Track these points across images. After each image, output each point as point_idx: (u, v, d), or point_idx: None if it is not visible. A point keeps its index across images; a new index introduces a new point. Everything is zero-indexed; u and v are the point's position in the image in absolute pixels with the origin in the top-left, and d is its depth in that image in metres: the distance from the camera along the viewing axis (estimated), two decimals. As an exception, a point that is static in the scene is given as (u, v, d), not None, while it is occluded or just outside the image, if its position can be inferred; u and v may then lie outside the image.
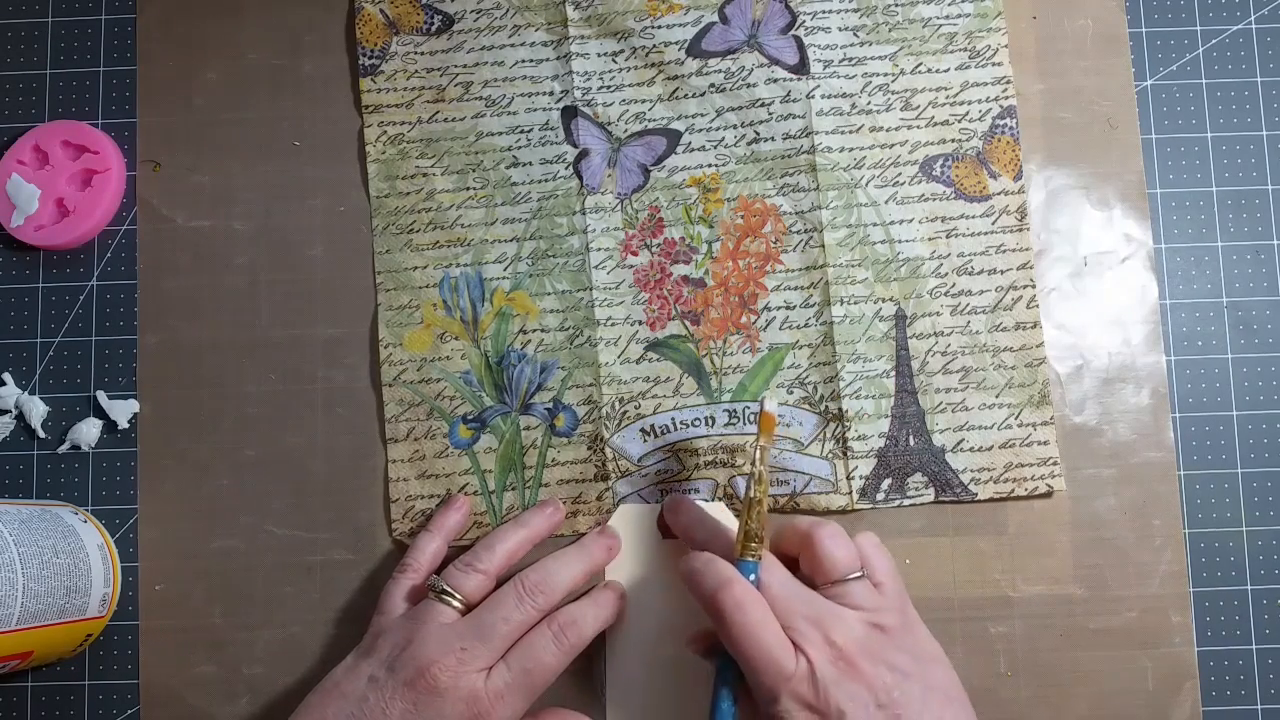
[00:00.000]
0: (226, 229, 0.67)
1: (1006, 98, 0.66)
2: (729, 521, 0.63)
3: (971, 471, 0.64)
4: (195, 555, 0.65)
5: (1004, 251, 0.65)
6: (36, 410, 0.65)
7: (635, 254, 0.66)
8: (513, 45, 0.67)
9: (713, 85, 0.66)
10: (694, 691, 0.61)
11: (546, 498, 0.64)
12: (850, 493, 0.64)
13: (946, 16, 0.67)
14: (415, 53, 0.67)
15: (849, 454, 0.64)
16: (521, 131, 0.67)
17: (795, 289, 0.65)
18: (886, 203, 0.66)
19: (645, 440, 0.64)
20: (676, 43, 0.66)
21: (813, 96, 0.66)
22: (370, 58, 0.67)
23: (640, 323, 0.65)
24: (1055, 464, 0.64)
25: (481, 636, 0.56)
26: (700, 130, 0.66)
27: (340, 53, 0.68)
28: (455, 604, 0.58)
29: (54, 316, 0.67)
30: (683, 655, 0.60)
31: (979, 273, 0.65)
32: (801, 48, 0.66)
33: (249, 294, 0.67)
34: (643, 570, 0.63)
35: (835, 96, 0.66)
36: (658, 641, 0.62)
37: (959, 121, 0.66)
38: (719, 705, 0.55)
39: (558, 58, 0.67)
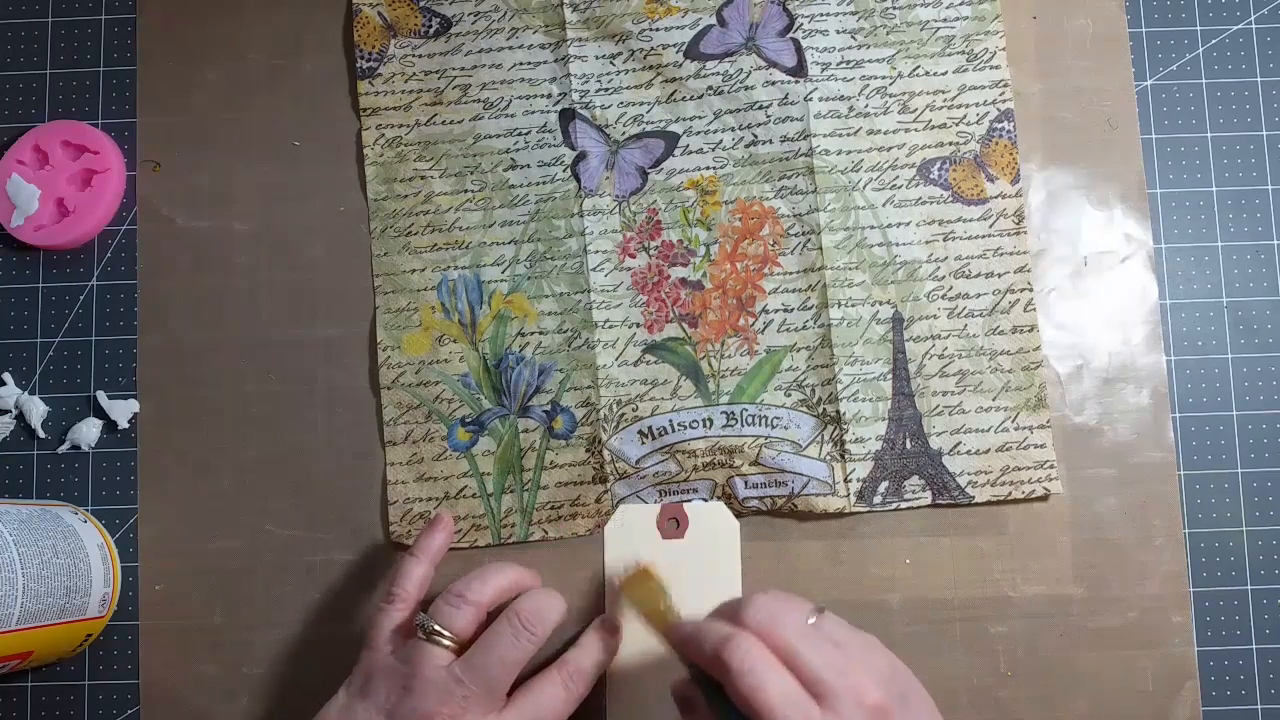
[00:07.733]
0: (226, 229, 0.67)
1: (1004, 101, 0.66)
2: (727, 521, 0.63)
3: (968, 475, 0.64)
4: (195, 555, 0.65)
5: (1001, 255, 0.65)
6: (36, 410, 0.65)
7: (633, 256, 0.66)
8: (511, 48, 0.67)
9: (711, 88, 0.66)
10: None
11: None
12: (848, 495, 0.64)
13: (944, 19, 0.67)
14: (413, 55, 0.67)
15: (846, 456, 0.64)
16: (519, 134, 0.66)
17: (793, 291, 0.65)
18: (884, 205, 0.65)
19: (643, 442, 0.64)
20: (674, 45, 0.66)
21: (810, 99, 0.66)
22: (368, 60, 0.67)
23: (638, 325, 0.65)
24: (1052, 467, 0.64)
25: (480, 681, 0.54)
26: (698, 133, 0.66)
27: (340, 53, 0.68)
28: (446, 644, 0.56)
29: (54, 316, 0.67)
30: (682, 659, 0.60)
31: (976, 276, 0.65)
32: (799, 50, 0.66)
33: (249, 294, 0.67)
34: (641, 572, 0.63)
35: (833, 99, 0.66)
36: (658, 646, 0.62)
37: (956, 125, 0.66)
38: None
39: (555, 60, 0.67)
